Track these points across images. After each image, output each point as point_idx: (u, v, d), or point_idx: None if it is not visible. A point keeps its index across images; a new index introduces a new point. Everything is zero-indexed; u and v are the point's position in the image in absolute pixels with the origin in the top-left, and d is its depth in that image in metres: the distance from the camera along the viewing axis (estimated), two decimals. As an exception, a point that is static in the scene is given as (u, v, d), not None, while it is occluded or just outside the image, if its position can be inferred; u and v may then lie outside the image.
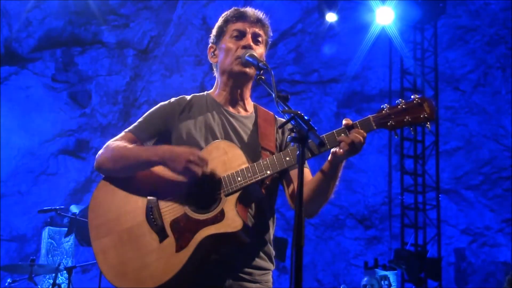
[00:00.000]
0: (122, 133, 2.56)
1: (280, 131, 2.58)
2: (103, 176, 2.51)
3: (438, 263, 9.58)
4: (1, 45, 10.59)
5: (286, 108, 2.16)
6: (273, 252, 2.52)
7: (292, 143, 2.04)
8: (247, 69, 2.51)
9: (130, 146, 2.46)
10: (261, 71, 2.38)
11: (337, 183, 2.41)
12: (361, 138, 2.26)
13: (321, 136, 2.29)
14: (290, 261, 1.86)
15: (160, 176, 2.41)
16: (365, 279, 7.72)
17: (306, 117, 2.06)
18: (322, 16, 10.36)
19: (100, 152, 2.51)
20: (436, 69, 10.58)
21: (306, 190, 2.40)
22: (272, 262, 2.50)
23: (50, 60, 11.08)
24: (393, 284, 8.55)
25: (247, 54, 2.46)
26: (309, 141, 2.03)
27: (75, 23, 10.87)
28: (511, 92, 10.81)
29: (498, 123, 10.97)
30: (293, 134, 2.03)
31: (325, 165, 2.37)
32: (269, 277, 2.49)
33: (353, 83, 11.04)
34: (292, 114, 2.07)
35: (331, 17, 10.23)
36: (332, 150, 2.31)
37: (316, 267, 11.55)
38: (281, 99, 2.19)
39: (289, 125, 2.10)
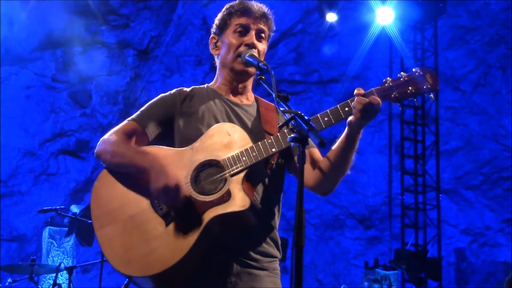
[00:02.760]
0: (125, 121, 2.54)
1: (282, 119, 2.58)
2: (105, 166, 2.51)
3: (439, 263, 9.58)
4: (1, 45, 10.58)
5: (286, 108, 2.15)
6: (279, 240, 2.50)
7: (292, 144, 2.03)
8: (249, 69, 2.50)
9: (130, 145, 2.45)
10: (261, 71, 2.38)
11: (353, 157, 2.40)
12: (370, 101, 2.25)
13: (325, 111, 2.34)
14: (291, 261, 1.85)
15: (163, 163, 2.39)
16: (365, 283, 7.70)
17: (306, 117, 2.06)
18: (322, 16, 10.36)
19: (102, 140, 2.50)
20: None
21: (322, 167, 2.44)
22: (279, 249, 2.49)
23: (50, 60, 11.09)
24: (393, 284, 8.54)
25: (247, 54, 2.45)
26: (309, 140, 2.03)
27: (75, 23, 10.88)
28: (511, 92, 10.81)
29: (498, 123, 10.97)
30: (293, 134, 2.02)
31: (341, 138, 2.38)
32: (277, 265, 2.47)
33: (353, 83, 11.02)
34: (292, 114, 2.07)
35: (331, 17, 10.23)
36: (348, 120, 2.32)
37: (316, 267, 11.55)
38: (281, 99, 2.19)
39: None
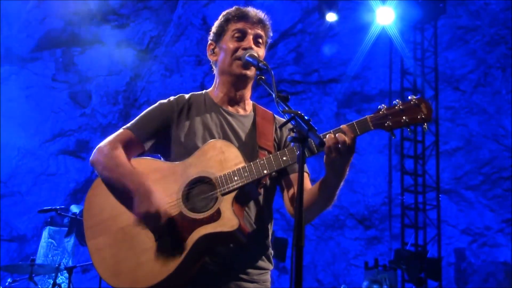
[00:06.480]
0: (121, 130, 2.54)
1: (279, 129, 2.57)
2: (98, 176, 2.52)
3: (438, 263, 9.57)
4: (1, 45, 10.59)
5: (286, 108, 2.15)
6: (271, 252, 2.51)
7: (292, 143, 2.03)
8: (248, 72, 2.50)
9: (123, 161, 2.43)
10: (261, 71, 2.38)
11: (335, 196, 2.37)
12: (341, 140, 2.19)
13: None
14: (290, 261, 1.85)
15: (155, 176, 2.41)
16: (365, 283, 7.70)
17: (306, 117, 2.05)
18: (322, 16, 10.36)
19: (98, 148, 2.51)
20: (436, 69, 10.58)
21: (304, 197, 2.41)
22: (270, 262, 2.50)
23: (50, 60, 11.09)
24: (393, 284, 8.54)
25: (247, 54, 2.45)
26: (309, 140, 2.03)
27: (75, 23, 10.88)
28: (511, 92, 10.81)
29: (498, 123, 10.97)
30: (293, 134, 2.02)
31: (325, 176, 2.35)
32: (267, 276, 2.48)
33: (353, 83, 11.03)
34: (292, 114, 2.07)
35: (331, 17, 10.22)
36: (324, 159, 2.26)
37: (316, 267, 11.55)
38: (281, 99, 2.19)
39: (289, 125, 2.09)
